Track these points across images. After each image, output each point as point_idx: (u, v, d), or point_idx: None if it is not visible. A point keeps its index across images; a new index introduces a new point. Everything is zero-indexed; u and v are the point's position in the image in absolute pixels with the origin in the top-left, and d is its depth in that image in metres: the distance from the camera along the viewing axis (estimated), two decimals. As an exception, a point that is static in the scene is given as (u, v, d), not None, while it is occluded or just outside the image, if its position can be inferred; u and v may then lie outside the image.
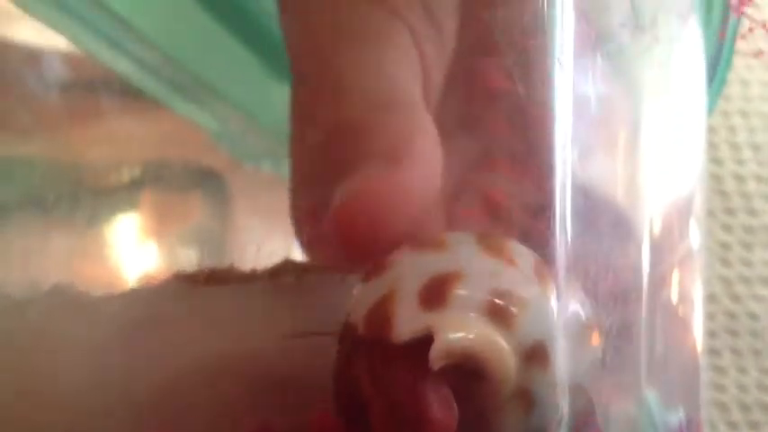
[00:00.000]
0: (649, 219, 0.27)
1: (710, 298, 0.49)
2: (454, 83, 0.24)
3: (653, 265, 0.26)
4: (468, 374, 0.19)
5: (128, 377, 0.23)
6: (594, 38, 0.23)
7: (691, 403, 0.29)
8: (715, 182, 0.49)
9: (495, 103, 0.22)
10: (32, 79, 0.37)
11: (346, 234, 0.21)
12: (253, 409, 0.22)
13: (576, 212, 0.21)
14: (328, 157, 0.23)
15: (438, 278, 0.20)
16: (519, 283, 0.20)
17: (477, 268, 0.20)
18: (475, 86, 0.23)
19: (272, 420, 0.22)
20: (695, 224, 0.30)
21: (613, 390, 0.24)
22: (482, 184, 0.22)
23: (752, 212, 0.49)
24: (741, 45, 0.31)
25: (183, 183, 0.44)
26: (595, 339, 0.22)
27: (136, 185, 0.42)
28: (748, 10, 0.28)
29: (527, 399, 0.20)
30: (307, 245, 0.25)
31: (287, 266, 0.25)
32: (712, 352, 0.49)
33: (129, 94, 0.40)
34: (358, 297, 0.20)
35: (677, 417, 0.28)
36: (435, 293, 0.19)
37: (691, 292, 0.30)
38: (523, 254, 0.21)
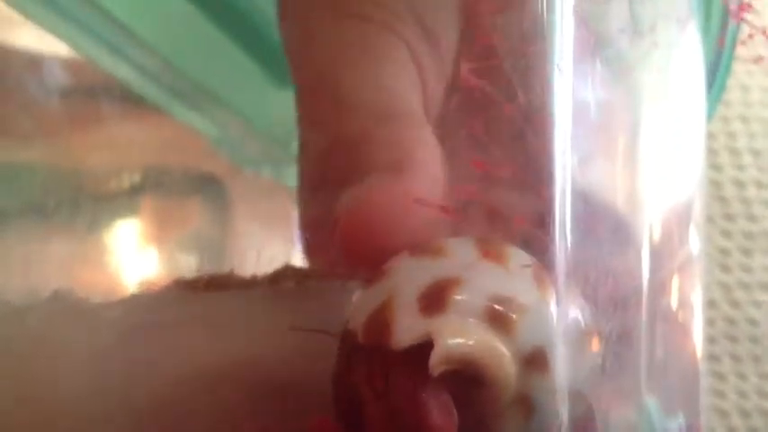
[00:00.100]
0: (649, 224, 0.27)
1: (710, 304, 0.49)
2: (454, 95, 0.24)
3: (652, 270, 0.26)
4: (467, 380, 0.19)
5: (128, 383, 0.23)
6: (594, 43, 0.23)
7: (690, 409, 0.29)
8: (715, 187, 0.49)
9: (497, 119, 0.22)
10: (33, 85, 0.37)
11: (351, 244, 0.21)
12: (253, 414, 0.22)
13: (575, 218, 0.21)
14: (331, 168, 0.23)
15: (437, 284, 0.20)
16: (518, 288, 0.20)
17: (477, 274, 0.20)
18: (473, 97, 0.23)
19: (272, 426, 0.22)
20: (695, 230, 0.30)
21: (613, 396, 0.24)
22: (484, 196, 0.22)
23: (751, 218, 0.49)
24: (741, 51, 0.31)
25: (183, 189, 0.44)
26: (595, 345, 0.22)
27: (136, 191, 0.42)
28: (748, 16, 0.28)
29: (527, 405, 0.20)
30: (309, 252, 0.25)
31: (287, 272, 0.25)
32: (712, 358, 0.49)
33: (130, 100, 0.40)
34: (357, 304, 0.20)
35: (677, 423, 0.28)
36: (435, 299, 0.19)
37: (690, 297, 0.30)
38: (523, 259, 0.21)
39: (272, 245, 0.41)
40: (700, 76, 0.31)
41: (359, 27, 0.23)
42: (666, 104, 0.29)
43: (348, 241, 0.21)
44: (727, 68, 0.33)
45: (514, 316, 0.20)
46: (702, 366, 0.32)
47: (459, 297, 0.19)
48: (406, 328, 0.19)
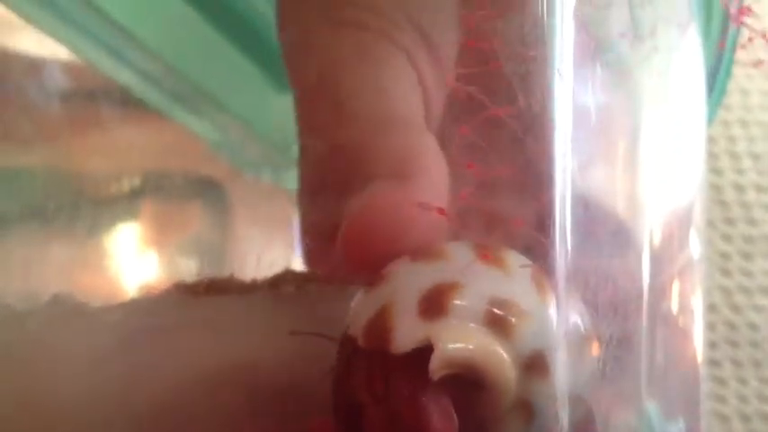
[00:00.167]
0: (649, 229, 0.27)
1: (711, 308, 0.49)
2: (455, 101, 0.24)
3: (653, 275, 0.26)
4: (468, 385, 0.19)
5: (128, 387, 0.23)
6: (594, 48, 0.23)
7: (691, 414, 0.29)
8: (715, 192, 0.49)
9: (496, 127, 0.22)
10: (33, 89, 0.37)
11: (354, 251, 0.21)
12: (253, 418, 0.22)
13: (575, 223, 0.21)
14: (331, 173, 0.23)
15: (437, 288, 0.20)
16: (517, 292, 0.20)
17: (476, 278, 0.20)
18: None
19: (272, 429, 0.22)
20: (695, 234, 0.30)
21: (613, 400, 0.24)
22: (485, 202, 0.22)
23: (752, 222, 0.49)
24: (741, 55, 0.31)
25: (184, 193, 0.44)
26: (595, 350, 0.22)
27: (136, 195, 0.42)
28: (748, 20, 0.28)
29: (527, 409, 0.20)
30: (309, 256, 0.25)
31: (287, 276, 0.25)
32: (712, 362, 0.49)
33: (130, 104, 0.40)
34: (356, 309, 0.20)
35: (677, 428, 0.28)
36: (434, 304, 0.19)
37: (691, 302, 0.30)
38: (521, 262, 0.21)
39: (273, 249, 0.41)
40: (700, 79, 0.31)
41: (357, 35, 0.23)
42: (667, 108, 0.29)
43: (351, 248, 0.21)
44: (728, 72, 0.33)
45: (514, 320, 0.20)
46: (703, 371, 0.32)
47: (458, 302, 0.19)
48: (407, 333, 0.19)
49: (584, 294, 0.22)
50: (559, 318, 0.20)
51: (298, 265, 0.26)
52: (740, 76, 0.50)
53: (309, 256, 0.26)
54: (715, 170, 0.50)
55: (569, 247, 0.21)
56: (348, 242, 0.21)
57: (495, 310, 0.20)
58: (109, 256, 0.41)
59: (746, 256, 0.49)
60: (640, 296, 0.25)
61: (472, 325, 0.19)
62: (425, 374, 0.18)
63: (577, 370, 0.21)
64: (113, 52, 0.37)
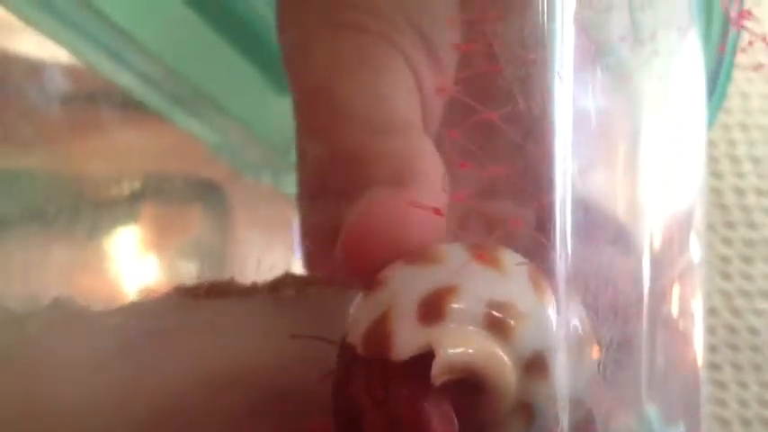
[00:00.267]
0: (649, 232, 0.27)
1: (711, 312, 0.49)
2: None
3: (653, 278, 0.26)
4: (468, 388, 0.19)
5: (128, 391, 0.23)
6: (594, 51, 0.23)
7: (691, 418, 0.29)
8: (715, 195, 0.49)
9: (496, 130, 0.22)
10: (33, 92, 0.37)
11: (353, 258, 0.21)
12: (253, 421, 0.22)
13: (576, 226, 0.21)
14: (330, 177, 0.23)
15: (435, 293, 0.20)
16: (515, 293, 0.20)
17: (472, 280, 0.20)
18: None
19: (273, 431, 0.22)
20: (695, 238, 0.30)
21: (614, 404, 0.24)
22: (486, 207, 0.22)
23: (752, 226, 0.49)
24: (741, 58, 0.31)
25: (184, 195, 0.44)
26: (596, 353, 0.22)
27: (136, 198, 0.42)
28: (748, 23, 0.28)
29: (527, 410, 0.20)
30: (309, 259, 0.25)
31: (287, 280, 0.25)
32: (713, 366, 0.49)
33: (130, 107, 0.40)
34: (354, 316, 0.20)
35: (678, 431, 0.28)
36: (433, 308, 0.19)
37: (691, 305, 0.30)
38: (517, 261, 0.21)
39: (273, 252, 0.41)
40: (700, 83, 0.31)
41: (355, 37, 0.23)
42: (667, 112, 0.29)
43: (351, 255, 0.21)
44: (728, 76, 0.33)
45: (513, 322, 0.20)
46: (703, 374, 0.32)
47: (456, 305, 0.19)
48: (407, 340, 0.19)
49: (585, 298, 0.22)
50: (560, 321, 0.20)
51: (298, 268, 0.26)
52: (740, 79, 0.50)
53: (309, 260, 0.26)
54: (715, 174, 0.50)
55: (569, 251, 0.21)
56: (347, 249, 0.21)
57: (494, 313, 0.19)
58: (109, 258, 0.41)
59: (747, 260, 0.49)
60: (641, 299, 0.25)
61: (471, 328, 0.19)
62: (427, 380, 0.18)
63: (578, 373, 0.21)
64: (113, 55, 0.37)
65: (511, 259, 0.21)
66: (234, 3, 0.36)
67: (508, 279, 0.20)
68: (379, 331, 0.19)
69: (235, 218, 0.45)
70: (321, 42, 0.24)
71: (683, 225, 0.30)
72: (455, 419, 0.19)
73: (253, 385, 0.23)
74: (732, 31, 0.30)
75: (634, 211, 0.27)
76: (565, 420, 0.20)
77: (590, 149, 0.24)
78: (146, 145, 0.42)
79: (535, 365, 0.20)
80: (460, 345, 0.19)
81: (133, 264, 0.41)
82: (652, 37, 0.26)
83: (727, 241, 0.49)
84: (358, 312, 0.20)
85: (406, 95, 0.23)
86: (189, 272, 0.43)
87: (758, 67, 0.29)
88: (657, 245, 0.27)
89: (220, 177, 0.45)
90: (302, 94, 0.24)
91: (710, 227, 0.49)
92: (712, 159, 0.50)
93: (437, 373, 0.18)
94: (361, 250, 0.21)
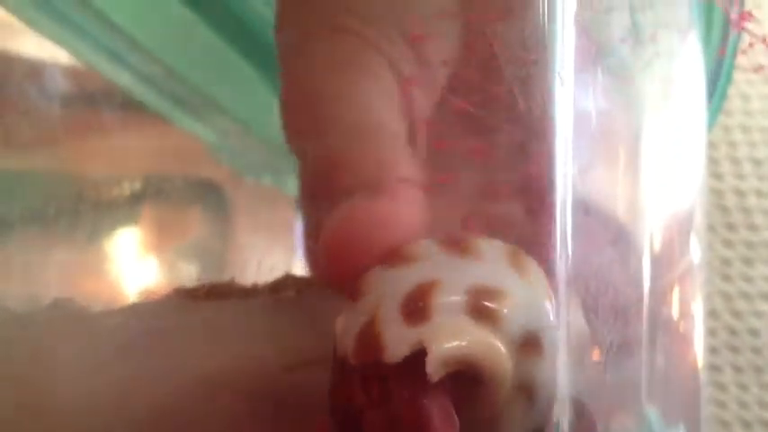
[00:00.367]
0: (650, 234, 0.27)
1: (711, 314, 0.49)
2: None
3: (653, 280, 0.26)
4: (465, 379, 0.19)
5: (128, 391, 0.23)
6: (595, 53, 0.23)
7: (691, 419, 0.29)
8: (716, 197, 0.49)
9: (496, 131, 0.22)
10: (34, 92, 0.37)
11: (332, 265, 0.21)
12: (253, 422, 0.22)
13: (576, 227, 0.21)
14: (316, 183, 0.23)
15: (417, 290, 0.20)
16: (496, 276, 0.20)
17: (451, 271, 0.20)
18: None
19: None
20: (696, 239, 0.30)
21: (614, 405, 0.24)
22: (487, 212, 0.22)
23: (752, 228, 0.49)
24: (741, 60, 0.31)
25: (184, 196, 0.44)
26: (596, 355, 0.22)
27: (137, 199, 0.42)
28: (748, 25, 0.28)
29: (527, 391, 0.20)
30: (310, 260, 0.25)
31: (288, 281, 0.25)
32: (713, 368, 0.49)
33: (131, 108, 0.40)
34: (342, 327, 0.20)
35: (678, 433, 0.28)
36: (418, 306, 0.19)
37: (691, 307, 0.30)
38: (492, 245, 0.21)
39: (273, 254, 0.41)
40: (701, 85, 0.31)
41: (342, 42, 0.23)
42: (667, 113, 0.29)
43: (329, 262, 0.21)
44: (728, 77, 0.33)
45: (498, 305, 0.19)
46: (703, 376, 0.32)
47: (440, 299, 0.19)
48: (398, 341, 0.19)
49: (585, 299, 0.22)
50: (560, 322, 0.20)
51: (298, 269, 0.26)
52: (741, 81, 0.50)
53: (312, 260, 0.26)
54: (716, 175, 0.50)
55: (570, 252, 0.21)
56: (326, 257, 0.21)
57: (478, 299, 0.19)
58: (109, 260, 0.41)
59: (747, 262, 0.49)
60: (641, 301, 0.25)
61: (458, 319, 0.19)
62: (423, 377, 0.18)
63: (578, 375, 0.21)
64: (114, 56, 0.37)
65: (485, 244, 0.21)
66: (234, 3, 0.36)
67: (486, 263, 0.20)
68: (370, 337, 0.19)
69: (235, 219, 0.45)
70: (317, 44, 0.24)
71: (684, 227, 0.30)
72: (455, 416, 0.19)
73: (253, 386, 0.23)
74: (732, 32, 0.30)
75: (634, 212, 0.27)
76: (565, 423, 0.20)
77: (590, 150, 0.24)
78: (146, 146, 0.42)
79: (528, 343, 0.20)
80: (451, 338, 0.19)
81: (133, 265, 0.41)
82: (653, 38, 0.26)
83: (727, 243, 0.49)
84: (345, 324, 0.20)
85: (386, 102, 0.23)
86: (189, 273, 0.44)
87: (759, 69, 0.29)
88: (658, 246, 0.27)
89: (220, 178, 0.45)
90: (287, 96, 0.25)
91: (711, 228, 0.49)
92: (713, 161, 0.50)
93: (433, 369, 0.18)
94: (340, 258, 0.21)
